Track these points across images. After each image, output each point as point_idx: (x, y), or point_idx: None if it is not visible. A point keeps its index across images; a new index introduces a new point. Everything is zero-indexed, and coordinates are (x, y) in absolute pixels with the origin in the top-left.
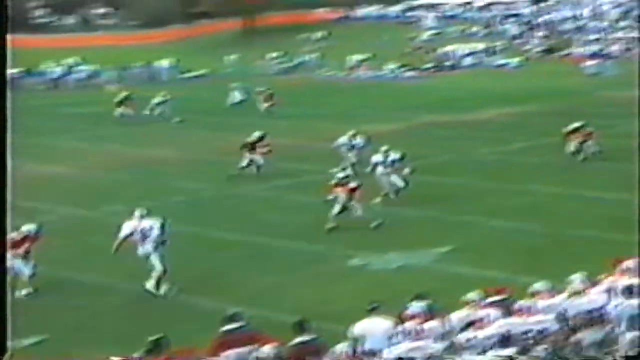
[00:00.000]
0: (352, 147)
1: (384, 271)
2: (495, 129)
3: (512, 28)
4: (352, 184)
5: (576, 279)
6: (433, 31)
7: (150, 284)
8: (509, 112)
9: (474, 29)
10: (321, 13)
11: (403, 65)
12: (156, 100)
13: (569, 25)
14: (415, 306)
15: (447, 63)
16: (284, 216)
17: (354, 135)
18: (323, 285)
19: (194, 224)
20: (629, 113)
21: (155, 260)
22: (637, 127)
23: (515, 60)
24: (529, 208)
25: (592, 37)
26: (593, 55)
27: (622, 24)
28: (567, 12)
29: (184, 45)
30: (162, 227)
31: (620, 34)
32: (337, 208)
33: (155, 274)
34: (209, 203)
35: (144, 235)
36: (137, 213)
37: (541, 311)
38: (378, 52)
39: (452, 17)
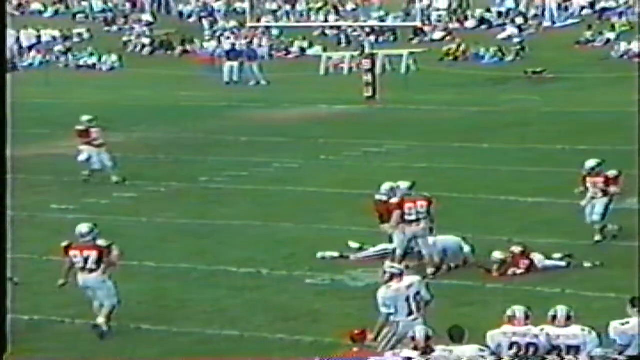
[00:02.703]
0: None
1: None
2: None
3: (100, 8)
4: None
5: None
6: None
7: None
8: None
9: (37, 5)
10: None
11: None
12: None
13: (191, 7)
14: None
15: None
16: None
17: None
18: None
19: None
20: (282, 144)
21: None
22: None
23: (109, 60)
24: None
25: (227, 25)
26: (230, 54)
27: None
28: None
29: None
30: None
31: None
32: None
33: None
34: None
35: None
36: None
37: None
38: None
39: None
